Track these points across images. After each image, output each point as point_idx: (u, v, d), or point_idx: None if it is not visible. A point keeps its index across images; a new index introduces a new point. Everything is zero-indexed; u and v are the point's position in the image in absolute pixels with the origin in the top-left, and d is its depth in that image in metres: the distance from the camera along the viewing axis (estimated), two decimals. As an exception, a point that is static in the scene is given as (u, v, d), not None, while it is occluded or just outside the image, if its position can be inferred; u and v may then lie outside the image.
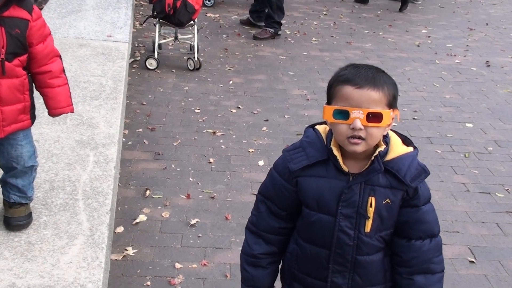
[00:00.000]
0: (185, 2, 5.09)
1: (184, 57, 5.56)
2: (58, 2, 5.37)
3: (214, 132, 4.15)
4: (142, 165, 3.62)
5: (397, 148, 1.53)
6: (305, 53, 6.11)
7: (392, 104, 1.46)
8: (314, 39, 6.65)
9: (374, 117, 1.42)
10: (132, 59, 5.38)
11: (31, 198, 2.23)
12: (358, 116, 1.41)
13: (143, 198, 3.26)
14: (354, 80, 1.43)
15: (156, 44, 5.34)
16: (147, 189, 3.34)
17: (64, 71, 2.10)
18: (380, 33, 7.04)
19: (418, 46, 6.62)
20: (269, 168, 3.72)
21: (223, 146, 3.96)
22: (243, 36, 6.57)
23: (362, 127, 1.41)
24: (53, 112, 2.11)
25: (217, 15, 7.36)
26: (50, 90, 2.06)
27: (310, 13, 7.80)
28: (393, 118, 1.47)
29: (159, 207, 3.18)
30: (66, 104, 2.09)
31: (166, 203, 3.23)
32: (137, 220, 3.03)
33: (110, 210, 2.36)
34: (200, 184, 3.46)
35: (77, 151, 2.78)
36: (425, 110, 4.80)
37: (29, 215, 2.21)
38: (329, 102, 1.50)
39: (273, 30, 6.49)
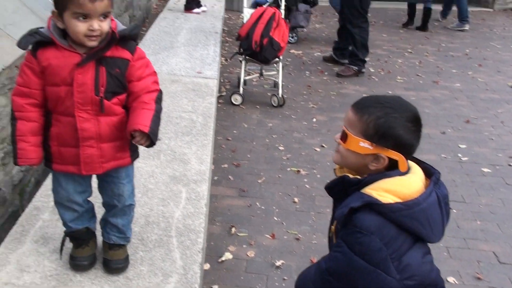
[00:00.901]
0: (271, 40, 5.19)
1: (268, 93, 5.63)
2: (152, 39, 5.63)
3: (298, 171, 4.14)
4: (228, 201, 3.66)
5: (376, 188, 1.47)
6: (390, 92, 6.02)
7: (371, 137, 1.49)
8: (399, 77, 6.55)
9: (343, 135, 1.55)
10: (218, 94, 5.50)
11: (129, 239, 2.25)
12: (341, 130, 1.57)
13: (228, 235, 3.28)
14: (355, 104, 1.56)
15: (242, 80, 5.45)
16: (232, 226, 3.37)
17: (155, 101, 2.01)
18: (469, 73, 6.83)
19: None
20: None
21: (307, 186, 3.94)
22: (326, 73, 6.59)
23: (337, 141, 1.58)
24: (128, 128, 1.96)
25: (300, 52, 7.43)
26: (134, 111, 1.98)
27: (395, 51, 7.71)
28: (378, 158, 1.50)
29: (244, 246, 3.19)
30: (142, 123, 1.93)
31: (251, 242, 3.23)
32: (223, 258, 3.04)
33: (202, 249, 2.39)
34: (284, 224, 3.44)
35: (170, 186, 2.85)
36: (521, 156, 4.58)
37: (127, 258, 2.23)
38: None
39: (357, 68, 6.46)
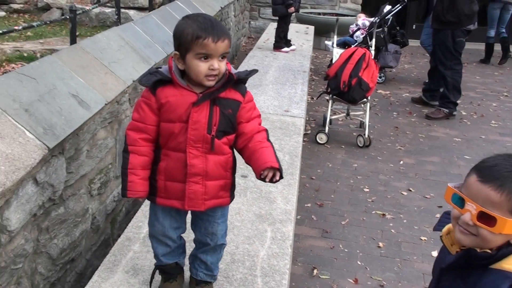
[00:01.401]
0: (360, 80, 5.17)
1: (354, 134, 5.58)
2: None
3: (384, 214, 4.04)
4: (310, 242, 3.63)
5: None
6: (483, 137, 5.78)
7: None
8: (493, 122, 6.28)
9: (486, 219, 1.29)
10: (303, 133, 5.53)
11: (215, 277, 2.28)
12: (470, 210, 1.30)
13: (310, 277, 3.24)
14: (483, 172, 1.31)
15: (328, 120, 5.45)
16: (314, 267, 3.33)
17: (267, 140, 2.08)
18: None
19: None
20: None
21: (393, 230, 3.83)
22: (414, 115, 6.45)
23: (471, 223, 1.31)
24: (258, 168, 1.99)
25: (388, 92, 7.34)
26: (255, 152, 2.03)
27: (489, 94, 7.43)
28: None
29: (327, 289, 3.14)
30: (270, 160, 1.98)
31: (334, 285, 3.18)
32: (305, 300, 3.01)
33: (285, 291, 2.38)
34: (368, 269, 3.36)
35: (256, 225, 2.87)
36: None
37: None
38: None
39: (447, 111, 6.27)
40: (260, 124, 2.12)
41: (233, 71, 2.02)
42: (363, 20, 7.67)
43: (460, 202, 1.34)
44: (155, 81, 2.00)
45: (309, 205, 4.15)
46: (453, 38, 6.06)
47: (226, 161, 2.08)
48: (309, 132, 5.66)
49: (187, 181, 2.04)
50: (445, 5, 6.02)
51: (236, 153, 2.16)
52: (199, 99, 1.98)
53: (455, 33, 6.05)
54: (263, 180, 1.98)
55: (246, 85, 2.10)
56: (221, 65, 1.94)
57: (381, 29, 6.61)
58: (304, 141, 5.38)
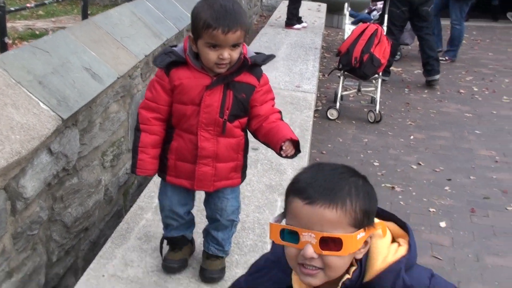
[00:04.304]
0: (372, 56, 5.15)
1: (365, 109, 5.59)
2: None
3: (393, 187, 4.07)
4: (320, 214, 3.67)
5: (378, 262, 1.15)
6: (495, 112, 5.76)
7: (362, 222, 1.11)
8: (505, 97, 6.24)
9: (331, 243, 1.08)
10: (314, 108, 5.55)
11: (227, 252, 2.30)
12: (309, 241, 1.08)
13: (320, 247, 3.29)
14: (306, 192, 1.10)
15: (339, 95, 5.46)
16: (324, 238, 3.37)
17: (281, 119, 2.08)
18: None
19: None
20: (451, 231, 3.52)
21: (402, 203, 3.86)
22: (426, 91, 6.42)
23: (315, 255, 1.09)
24: (278, 142, 1.97)
25: (400, 69, 7.31)
26: (272, 129, 2.02)
27: (501, 70, 7.36)
28: (366, 241, 1.13)
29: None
30: (289, 134, 1.97)
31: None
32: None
33: (294, 257, 2.43)
34: (377, 240, 3.40)
35: (266, 195, 2.92)
36: None
37: (223, 270, 2.28)
38: (285, 214, 1.17)
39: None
40: (274, 106, 2.11)
41: (250, 54, 2.00)
42: (381, 5, 7.66)
43: (292, 237, 1.11)
44: (169, 62, 2.00)
45: (319, 179, 4.18)
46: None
47: (237, 143, 2.09)
48: (320, 108, 5.68)
49: (198, 162, 2.06)
50: None
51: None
52: (212, 82, 1.97)
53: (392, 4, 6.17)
54: (282, 155, 1.96)
55: (258, 61, 2.06)
56: (232, 54, 1.90)
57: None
58: (315, 117, 5.40)
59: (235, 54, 1.92)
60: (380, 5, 7.63)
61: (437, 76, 6.43)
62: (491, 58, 7.99)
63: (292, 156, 1.98)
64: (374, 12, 7.76)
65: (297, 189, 1.12)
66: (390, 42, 5.40)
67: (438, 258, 3.20)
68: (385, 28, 5.90)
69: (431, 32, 6.49)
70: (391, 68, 6.81)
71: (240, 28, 1.88)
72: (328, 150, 4.71)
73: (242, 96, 2.01)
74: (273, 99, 2.12)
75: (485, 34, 9.39)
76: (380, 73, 5.36)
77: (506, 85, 6.71)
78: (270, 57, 2.06)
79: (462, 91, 6.45)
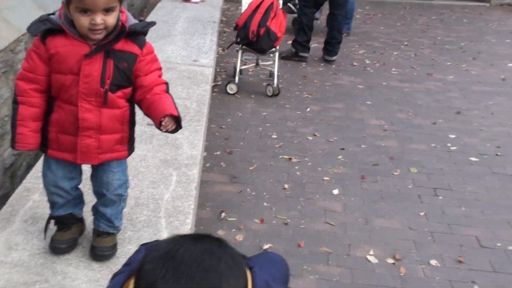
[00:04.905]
0: (268, 30, 5.22)
1: (263, 83, 5.67)
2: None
3: (290, 158, 4.19)
4: (219, 187, 3.71)
5: None
6: (384, 83, 6.06)
7: None
8: (394, 69, 6.59)
9: None
10: (213, 83, 5.54)
11: (118, 228, 2.26)
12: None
13: (218, 220, 3.34)
14: None
15: (238, 70, 5.48)
16: (222, 211, 3.42)
17: (166, 91, 2.04)
18: (463, 66, 6.87)
19: (504, 80, 6.39)
20: (343, 198, 3.69)
21: (298, 173, 3.99)
22: (322, 65, 6.62)
23: None
24: (157, 117, 1.95)
25: (297, 43, 7.44)
26: (154, 101, 1.98)
27: (391, 43, 7.74)
28: None
29: (233, 230, 3.24)
30: (169, 108, 1.95)
31: (240, 226, 3.29)
32: (212, 241, 3.09)
33: (190, 230, 2.44)
34: (274, 209, 3.50)
35: (161, 170, 2.90)
36: (510, 146, 4.62)
37: (114, 246, 2.25)
38: None
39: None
40: (160, 76, 2.08)
41: (130, 21, 1.95)
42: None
43: None
44: (45, 30, 1.91)
45: (218, 153, 4.21)
46: None
47: (122, 114, 2.04)
48: (219, 83, 5.68)
49: (79, 134, 1.99)
50: None
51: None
52: (91, 51, 1.91)
53: None
54: (162, 130, 1.95)
55: (153, 36, 2.04)
56: (106, 19, 1.84)
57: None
58: (214, 91, 5.41)
59: (110, 19, 1.86)
60: None
61: (334, 57, 6.64)
62: (382, 32, 8.37)
63: (172, 131, 1.97)
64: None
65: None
66: (286, 15, 5.49)
67: (331, 224, 3.36)
68: (280, 1, 5.97)
69: (344, 13, 6.62)
70: (289, 42, 6.93)
71: None
72: (227, 125, 4.74)
73: (124, 65, 1.97)
74: (159, 69, 2.08)
75: (377, 9, 9.79)
76: (277, 47, 5.44)
77: (395, 58, 7.07)
78: (151, 24, 2.03)
79: (355, 63, 6.72)
